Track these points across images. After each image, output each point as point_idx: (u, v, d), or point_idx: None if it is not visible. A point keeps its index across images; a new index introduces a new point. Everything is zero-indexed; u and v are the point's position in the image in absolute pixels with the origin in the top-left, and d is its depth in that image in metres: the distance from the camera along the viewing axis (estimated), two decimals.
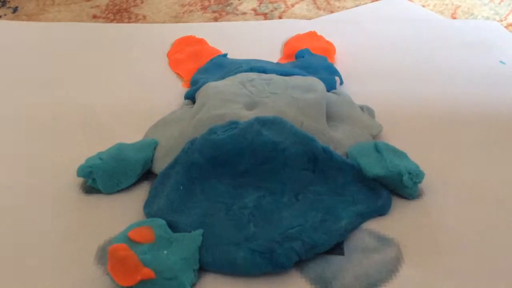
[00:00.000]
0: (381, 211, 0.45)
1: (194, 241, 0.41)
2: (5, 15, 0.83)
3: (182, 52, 0.70)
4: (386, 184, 0.46)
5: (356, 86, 0.62)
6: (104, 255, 0.42)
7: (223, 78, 0.59)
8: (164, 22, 0.81)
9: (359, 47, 0.71)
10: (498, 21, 0.78)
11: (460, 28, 0.75)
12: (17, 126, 0.57)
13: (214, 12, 0.83)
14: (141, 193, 0.48)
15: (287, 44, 0.72)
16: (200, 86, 0.57)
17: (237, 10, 0.83)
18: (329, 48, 0.69)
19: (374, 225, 0.44)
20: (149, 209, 0.45)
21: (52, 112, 0.59)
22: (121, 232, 0.41)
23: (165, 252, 0.40)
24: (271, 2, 0.85)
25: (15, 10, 0.84)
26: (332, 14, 0.81)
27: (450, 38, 0.72)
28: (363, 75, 0.65)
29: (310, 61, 0.65)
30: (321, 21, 0.79)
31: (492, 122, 0.56)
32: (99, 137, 0.55)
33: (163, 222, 0.42)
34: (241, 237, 0.41)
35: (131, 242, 0.40)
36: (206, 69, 0.65)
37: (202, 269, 0.41)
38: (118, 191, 0.48)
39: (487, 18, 0.79)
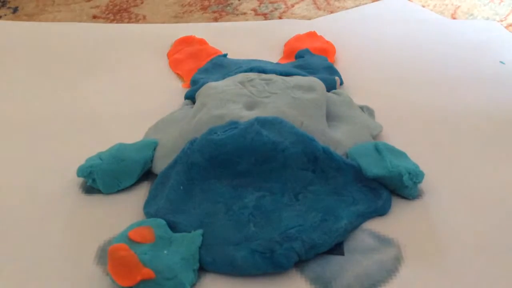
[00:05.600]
0: (381, 211, 0.45)
1: (194, 241, 0.41)
2: (5, 15, 0.83)
3: (182, 52, 0.70)
4: (386, 184, 0.46)
5: (356, 86, 0.62)
6: (104, 255, 0.42)
7: (223, 78, 0.59)
8: (164, 22, 0.81)
9: (359, 47, 0.71)
10: (498, 21, 0.78)
11: (460, 28, 0.75)
12: (17, 126, 0.57)
13: (214, 12, 0.83)
14: (141, 193, 0.48)
15: (287, 44, 0.72)
16: (200, 86, 0.57)
17: (237, 10, 0.83)
18: (329, 48, 0.69)
19: (374, 225, 0.44)
20: (149, 209, 0.45)
21: (52, 112, 0.59)
22: (121, 232, 0.41)
23: (165, 252, 0.40)
24: (271, 2, 0.85)
25: (15, 10, 0.84)
26: (332, 14, 0.81)
27: (450, 38, 0.72)
28: (363, 75, 0.65)
29: (310, 61, 0.65)
30: (321, 21, 0.79)
31: (492, 122, 0.56)
32: (99, 137, 0.55)
33: (163, 222, 0.42)
34: (241, 237, 0.41)
35: (131, 242, 0.40)
36: (206, 69, 0.65)
37: (202, 269, 0.41)
38: (118, 191, 0.48)
39: (487, 18, 0.79)
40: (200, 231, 0.42)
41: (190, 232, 0.42)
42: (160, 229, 0.41)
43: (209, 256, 0.41)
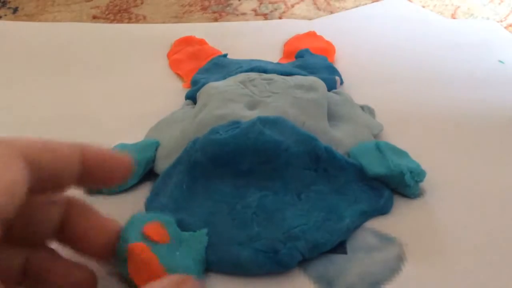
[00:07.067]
0: (383, 210, 0.45)
1: (201, 241, 0.40)
2: (5, 15, 0.83)
3: (182, 52, 0.70)
4: (387, 183, 0.46)
5: (356, 86, 0.62)
6: None
7: (223, 78, 0.59)
8: (164, 22, 0.81)
9: (359, 47, 0.71)
10: (498, 21, 0.78)
11: (460, 28, 0.75)
12: (17, 126, 0.57)
13: (214, 12, 0.83)
14: (143, 193, 0.48)
15: (287, 44, 0.72)
16: (201, 86, 0.57)
17: (237, 10, 0.84)
18: (329, 48, 0.69)
19: (376, 224, 0.44)
20: (151, 207, 0.45)
21: (52, 112, 0.59)
22: (130, 226, 0.38)
23: (177, 253, 0.38)
24: (271, 3, 0.85)
25: (15, 10, 0.84)
26: (332, 15, 0.81)
27: (450, 38, 0.73)
28: (363, 75, 0.65)
29: (310, 61, 0.65)
30: (321, 21, 0.79)
31: (492, 122, 0.56)
32: (100, 138, 0.55)
33: (172, 219, 0.41)
34: (244, 237, 0.41)
35: (147, 239, 0.37)
36: (207, 69, 0.65)
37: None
38: (119, 191, 0.48)
39: (487, 18, 0.79)
40: (204, 230, 0.41)
41: (194, 231, 0.41)
42: (171, 228, 0.40)
43: (213, 256, 0.40)
